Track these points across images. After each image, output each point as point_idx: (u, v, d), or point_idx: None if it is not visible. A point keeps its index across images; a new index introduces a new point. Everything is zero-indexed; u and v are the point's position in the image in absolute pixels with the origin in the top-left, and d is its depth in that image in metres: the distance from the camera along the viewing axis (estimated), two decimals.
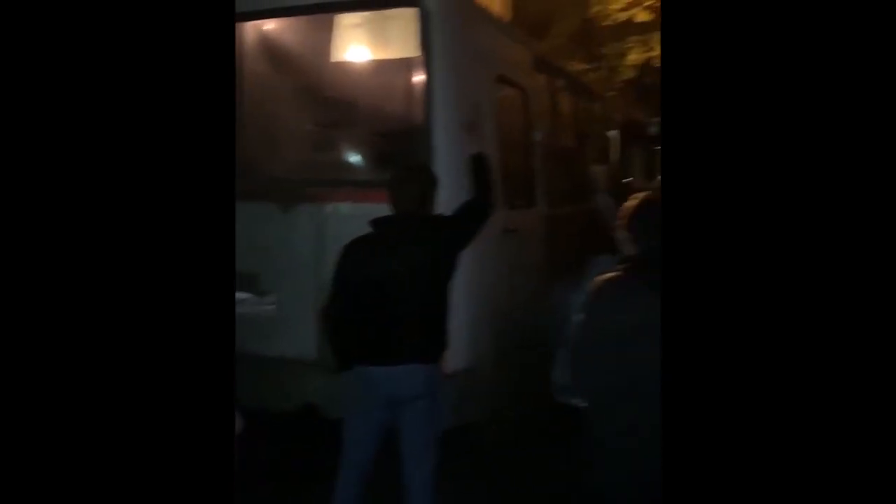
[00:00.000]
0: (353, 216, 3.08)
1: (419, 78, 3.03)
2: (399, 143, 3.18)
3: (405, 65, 3.16)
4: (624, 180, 6.25)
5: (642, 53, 11.10)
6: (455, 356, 3.07)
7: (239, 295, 3.31)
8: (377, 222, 2.42)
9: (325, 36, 3.19)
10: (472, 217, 2.54)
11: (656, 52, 10.97)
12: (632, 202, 1.89)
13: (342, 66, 3.29)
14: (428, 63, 2.96)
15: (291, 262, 3.18)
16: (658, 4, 10.47)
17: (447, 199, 2.96)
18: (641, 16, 10.60)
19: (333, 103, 3.30)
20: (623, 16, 10.67)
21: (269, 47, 3.46)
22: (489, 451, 3.35)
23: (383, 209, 3.02)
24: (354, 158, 3.33)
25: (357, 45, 3.28)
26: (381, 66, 3.30)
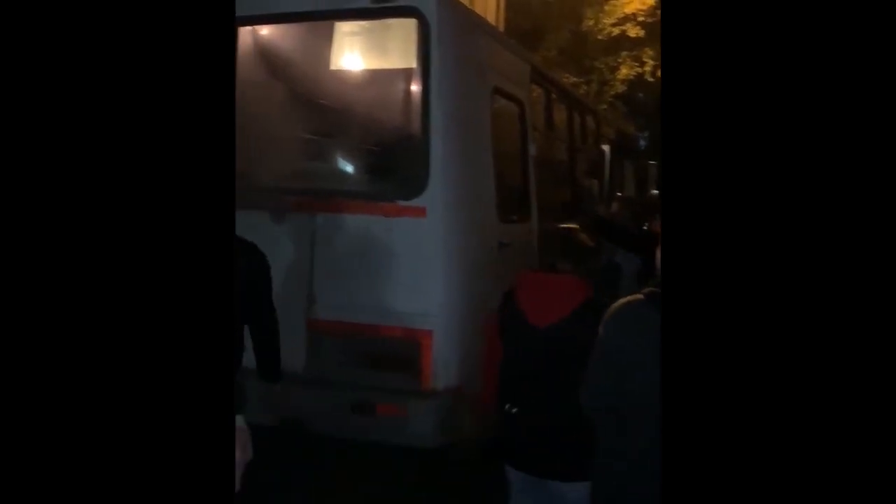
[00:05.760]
0: (345, 227, 3.05)
1: (417, 89, 2.99)
2: (395, 154, 3.14)
3: (403, 75, 3.12)
4: (618, 194, 6.25)
5: (634, 68, 11.19)
6: (445, 372, 3.03)
7: None
8: None
9: (324, 43, 3.15)
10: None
11: (648, 66, 11.08)
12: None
13: (340, 75, 3.25)
14: (426, 74, 2.93)
15: (281, 272, 3.12)
16: (650, 20, 10.58)
17: (445, 209, 2.94)
18: (633, 31, 10.69)
19: (330, 112, 3.25)
20: (615, 30, 10.75)
21: (266, 53, 3.41)
22: (474, 470, 3.31)
23: (376, 220, 2.99)
24: (348, 168, 3.28)
25: (356, 53, 3.24)
26: (378, 76, 3.26)
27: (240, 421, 1.11)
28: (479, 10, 6.63)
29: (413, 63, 2.98)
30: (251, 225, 3.16)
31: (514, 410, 2.45)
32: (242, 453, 1.06)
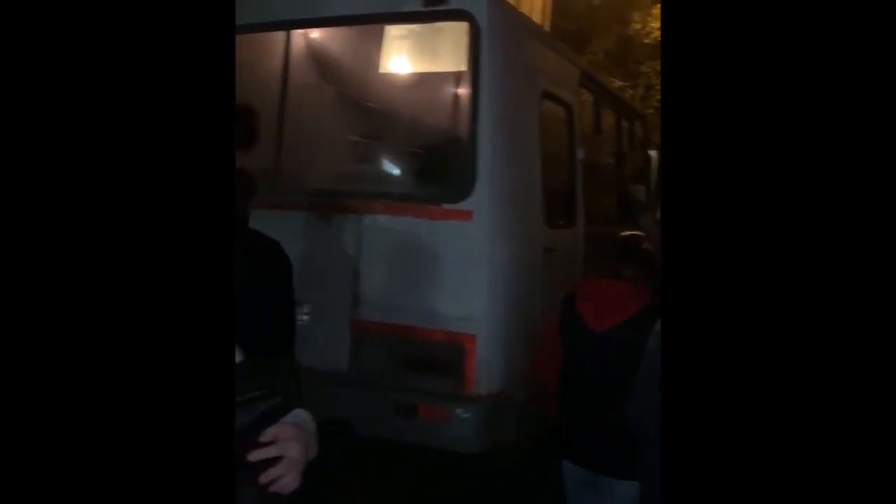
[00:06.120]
0: (391, 229, 3.06)
1: (466, 92, 2.99)
2: (442, 157, 3.14)
3: (453, 78, 3.12)
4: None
5: None
6: (489, 378, 3.01)
7: None
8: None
9: (374, 47, 3.17)
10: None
11: None
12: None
13: (389, 78, 3.27)
14: (475, 78, 2.92)
15: (328, 272, 3.15)
16: None
17: (491, 213, 2.92)
18: None
19: (378, 115, 3.27)
20: None
21: (317, 57, 3.45)
22: (513, 474, 3.28)
23: (423, 223, 2.99)
24: (396, 171, 3.30)
25: (406, 57, 3.25)
26: (428, 79, 3.27)
27: (305, 417, 1.10)
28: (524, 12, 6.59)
29: (463, 66, 2.98)
30: (299, 225, 3.22)
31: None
32: (307, 451, 1.05)
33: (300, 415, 1.08)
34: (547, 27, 8.31)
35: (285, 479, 1.01)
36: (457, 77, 3.08)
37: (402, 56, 3.25)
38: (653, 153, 5.94)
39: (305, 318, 3.23)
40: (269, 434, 1.02)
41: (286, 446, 1.02)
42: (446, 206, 2.97)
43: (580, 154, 3.84)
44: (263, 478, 1.02)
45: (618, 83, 11.62)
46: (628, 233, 2.53)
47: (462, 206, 2.95)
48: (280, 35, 3.33)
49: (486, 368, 2.98)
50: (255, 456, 0.99)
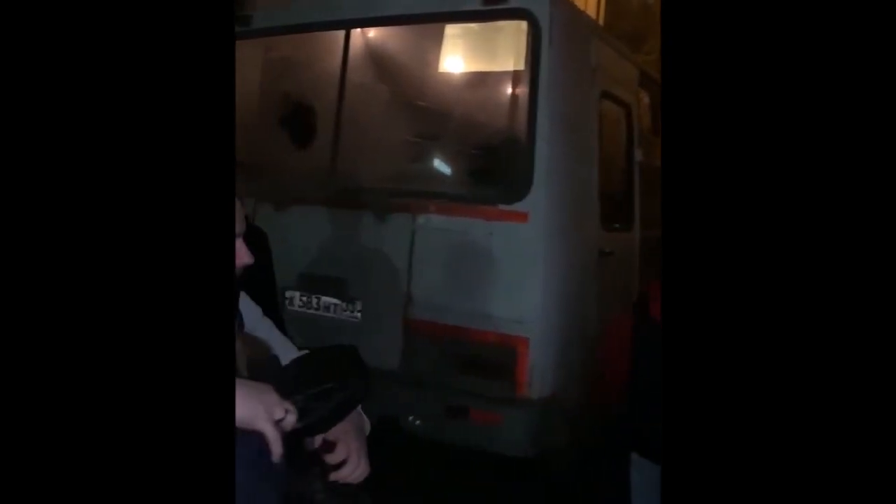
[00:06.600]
0: (445, 229, 3.05)
1: (524, 92, 2.95)
2: (499, 158, 3.11)
3: (512, 78, 3.09)
4: None
5: None
6: (542, 381, 2.97)
7: (326, 300, 3.32)
8: None
9: (433, 46, 3.17)
10: None
11: None
12: None
13: (447, 77, 3.26)
14: (534, 77, 2.88)
15: (381, 270, 3.16)
16: None
17: (547, 215, 2.88)
18: None
19: (435, 114, 3.26)
20: None
21: (375, 56, 3.47)
22: (561, 479, 3.23)
23: (477, 223, 2.97)
24: (451, 171, 3.28)
25: (464, 56, 3.23)
26: (486, 79, 3.25)
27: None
28: None
29: (522, 65, 2.94)
30: (354, 223, 3.24)
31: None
32: (361, 434, 1.06)
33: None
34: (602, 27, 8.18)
35: (356, 473, 1.03)
36: (516, 76, 3.04)
37: (460, 55, 3.24)
38: None
39: (358, 315, 3.25)
40: (332, 433, 1.02)
41: (347, 440, 1.02)
42: (502, 207, 2.94)
43: (638, 156, 3.76)
44: (335, 477, 1.02)
45: None
46: None
47: (518, 207, 2.91)
48: (339, 34, 3.36)
49: (538, 372, 2.94)
50: (332, 459, 0.99)
